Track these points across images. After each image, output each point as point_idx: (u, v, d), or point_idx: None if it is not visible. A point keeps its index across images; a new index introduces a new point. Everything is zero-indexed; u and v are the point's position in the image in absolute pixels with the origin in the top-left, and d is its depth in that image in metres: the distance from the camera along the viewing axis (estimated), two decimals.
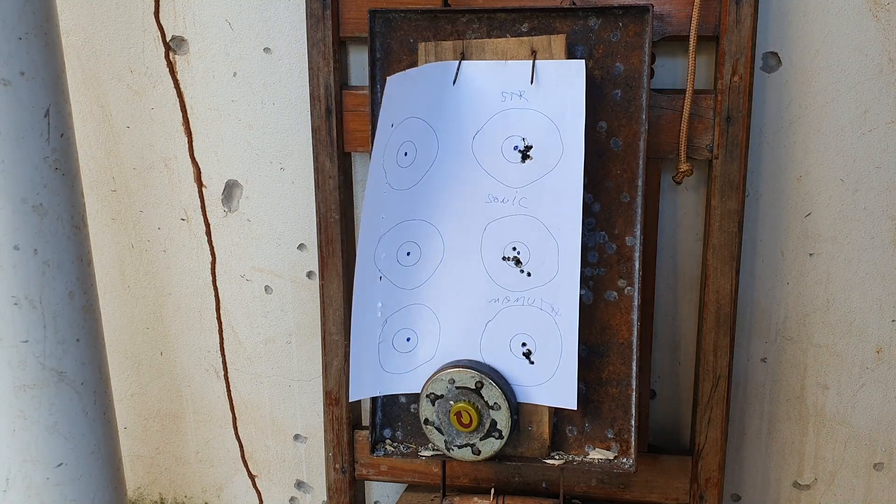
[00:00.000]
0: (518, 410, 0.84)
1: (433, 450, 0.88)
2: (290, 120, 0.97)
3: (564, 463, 0.85)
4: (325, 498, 1.05)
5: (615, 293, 0.87)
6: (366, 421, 1.00)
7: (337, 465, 0.97)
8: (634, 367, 0.85)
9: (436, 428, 0.84)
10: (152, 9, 0.95)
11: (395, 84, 0.82)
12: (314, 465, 1.06)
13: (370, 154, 0.84)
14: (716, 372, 0.90)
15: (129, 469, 1.12)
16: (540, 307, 0.83)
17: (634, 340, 0.85)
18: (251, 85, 0.96)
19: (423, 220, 0.84)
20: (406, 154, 0.82)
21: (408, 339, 0.86)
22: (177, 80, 0.96)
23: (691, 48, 0.81)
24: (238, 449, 1.08)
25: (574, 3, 0.83)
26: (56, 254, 0.72)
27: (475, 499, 0.90)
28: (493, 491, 0.92)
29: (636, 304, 0.85)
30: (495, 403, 0.82)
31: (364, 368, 0.85)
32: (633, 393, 0.84)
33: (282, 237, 1.01)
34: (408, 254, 0.84)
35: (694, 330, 0.96)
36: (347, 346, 0.92)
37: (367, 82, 0.89)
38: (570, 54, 0.82)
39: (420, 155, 0.82)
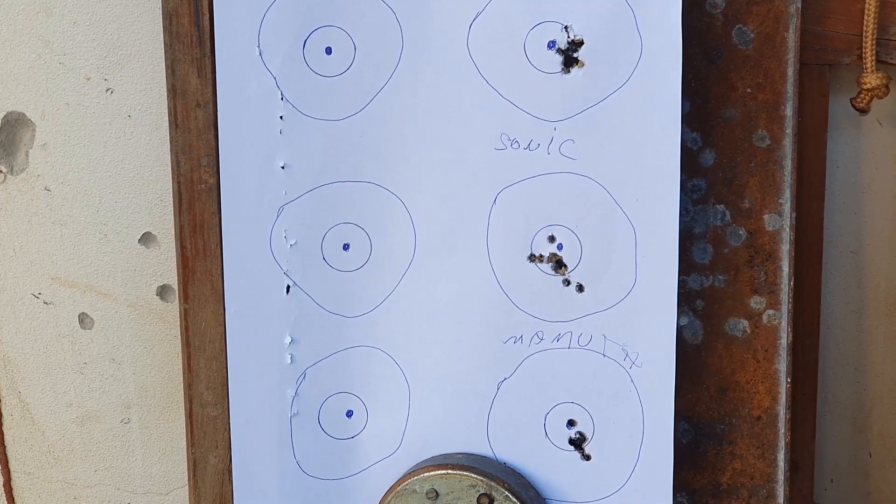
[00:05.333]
0: None
1: None
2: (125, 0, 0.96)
3: None
4: None
5: (745, 323, 0.86)
6: None
7: None
8: (782, 464, 0.86)
9: None
10: None
11: None
12: None
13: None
14: None
15: None
16: (602, 352, 0.84)
17: (782, 411, 0.85)
18: None
19: (375, 184, 0.85)
20: (330, 51, 0.83)
21: (349, 414, 0.87)
22: None
23: None
24: None
25: None
26: None
27: None
28: None
29: (785, 341, 0.85)
30: None
31: (260, 468, 0.88)
32: None
33: (110, 221, 1.00)
34: (345, 247, 0.85)
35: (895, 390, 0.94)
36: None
37: None
38: None
39: (364, 56, 0.84)
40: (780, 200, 0.84)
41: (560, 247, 0.83)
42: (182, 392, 0.95)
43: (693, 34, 0.83)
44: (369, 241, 0.85)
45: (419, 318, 0.85)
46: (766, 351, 0.85)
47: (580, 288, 0.83)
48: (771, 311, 0.85)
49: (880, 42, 0.85)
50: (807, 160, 0.88)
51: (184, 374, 0.92)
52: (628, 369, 0.83)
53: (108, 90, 0.97)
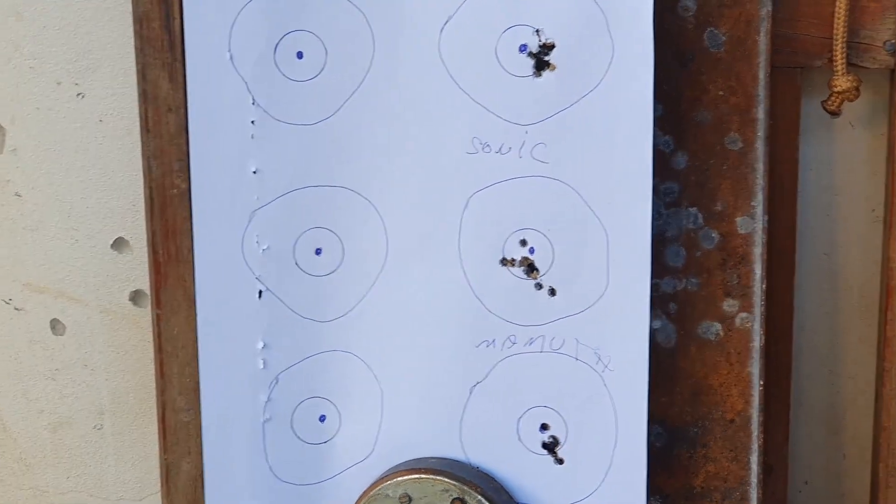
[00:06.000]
0: None
1: None
2: (95, 2, 0.96)
3: None
4: None
5: (718, 326, 0.86)
6: None
7: None
8: (755, 466, 0.86)
9: None
10: None
11: None
12: None
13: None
14: None
15: None
16: (574, 355, 0.84)
17: (755, 414, 0.85)
18: None
19: (347, 188, 0.85)
20: (301, 56, 0.83)
21: (322, 419, 0.87)
22: None
23: None
24: None
25: None
26: None
27: None
28: None
29: (758, 344, 0.85)
30: None
31: (232, 473, 0.88)
32: None
33: (81, 226, 1.00)
34: (317, 252, 0.85)
35: (869, 391, 0.95)
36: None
37: None
38: None
39: (336, 60, 0.84)
40: (752, 203, 0.84)
41: (532, 250, 0.83)
42: (154, 398, 0.94)
43: (665, 37, 0.83)
44: (342, 246, 0.85)
45: (392, 323, 0.85)
46: (738, 354, 0.85)
47: (552, 292, 0.83)
48: (744, 314, 0.85)
49: (851, 45, 0.85)
50: (779, 163, 0.88)
51: (156, 379, 0.92)
52: (601, 373, 0.83)
53: (78, 95, 0.97)
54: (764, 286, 0.84)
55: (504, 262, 0.83)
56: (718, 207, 0.84)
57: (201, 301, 0.86)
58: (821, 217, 0.93)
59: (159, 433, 0.92)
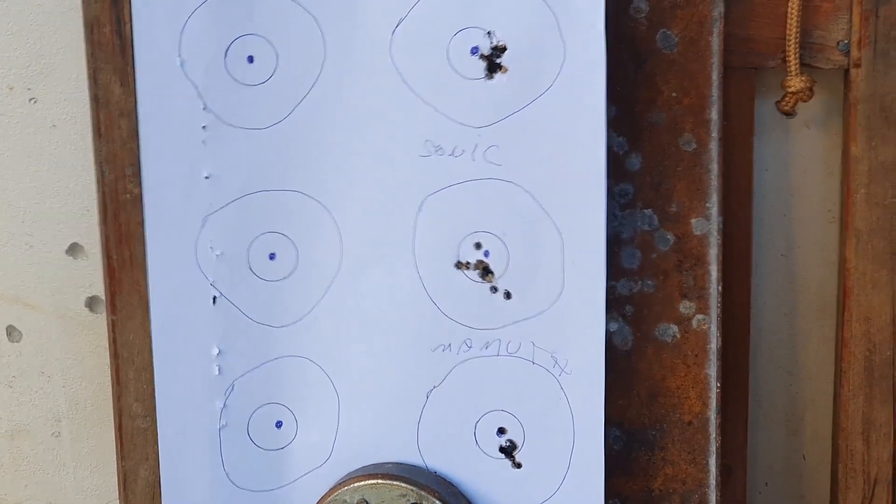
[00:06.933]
0: None
1: None
2: (47, 7, 0.96)
3: None
4: None
5: (674, 328, 0.86)
6: None
7: None
8: (713, 468, 0.86)
9: None
10: None
11: None
12: None
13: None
14: (868, 472, 0.89)
15: None
16: (531, 359, 0.84)
17: (712, 416, 0.86)
18: None
19: (301, 192, 0.85)
20: (252, 60, 0.83)
21: (278, 425, 0.88)
22: None
23: None
24: None
25: None
26: None
27: None
28: None
29: (715, 346, 0.85)
30: None
31: (189, 480, 0.88)
32: None
33: (36, 232, 1.00)
34: (271, 257, 0.85)
35: (828, 392, 0.95)
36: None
37: None
38: None
39: (287, 64, 0.84)
40: (707, 204, 0.84)
41: (487, 254, 0.83)
42: (111, 404, 0.94)
43: (618, 39, 0.83)
44: (296, 251, 0.85)
45: (347, 327, 0.85)
46: (696, 356, 0.85)
47: (508, 295, 0.83)
48: (700, 316, 0.85)
49: (804, 45, 0.85)
50: (734, 164, 0.89)
51: (112, 385, 0.92)
52: (558, 376, 0.83)
53: (31, 100, 0.97)
54: (720, 288, 0.85)
55: (459, 265, 0.83)
56: (674, 209, 0.85)
57: (155, 307, 0.86)
58: (777, 218, 0.94)
59: (116, 440, 0.92)
